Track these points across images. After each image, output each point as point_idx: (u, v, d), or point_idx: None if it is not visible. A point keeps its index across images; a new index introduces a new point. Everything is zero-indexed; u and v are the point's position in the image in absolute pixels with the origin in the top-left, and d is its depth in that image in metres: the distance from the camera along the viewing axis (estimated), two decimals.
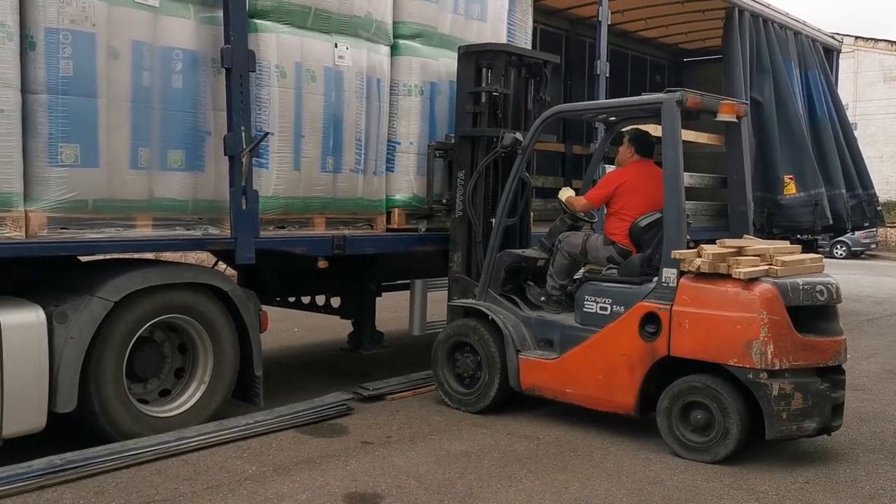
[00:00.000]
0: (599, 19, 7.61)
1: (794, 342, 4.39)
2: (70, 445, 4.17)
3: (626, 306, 4.81)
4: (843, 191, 9.89)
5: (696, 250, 4.57)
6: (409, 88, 5.85)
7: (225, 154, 4.66)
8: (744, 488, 4.16)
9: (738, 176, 5.35)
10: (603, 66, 7.51)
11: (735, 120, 5.18)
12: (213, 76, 4.70)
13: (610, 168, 7.78)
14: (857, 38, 31.24)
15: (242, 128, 4.66)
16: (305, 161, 5.20)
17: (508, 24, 6.67)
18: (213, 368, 4.79)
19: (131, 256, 4.77)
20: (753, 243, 4.77)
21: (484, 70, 5.81)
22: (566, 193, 5.70)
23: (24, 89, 3.99)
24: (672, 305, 4.59)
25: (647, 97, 5.22)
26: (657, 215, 5.01)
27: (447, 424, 5.12)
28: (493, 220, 5.64)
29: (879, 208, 11.06)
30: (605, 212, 5.45)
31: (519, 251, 5.68)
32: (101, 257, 4.71)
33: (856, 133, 13.38)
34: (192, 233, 4.72)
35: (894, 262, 22.37)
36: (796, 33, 10.03)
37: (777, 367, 4.34)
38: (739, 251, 4.60)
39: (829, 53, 11.15)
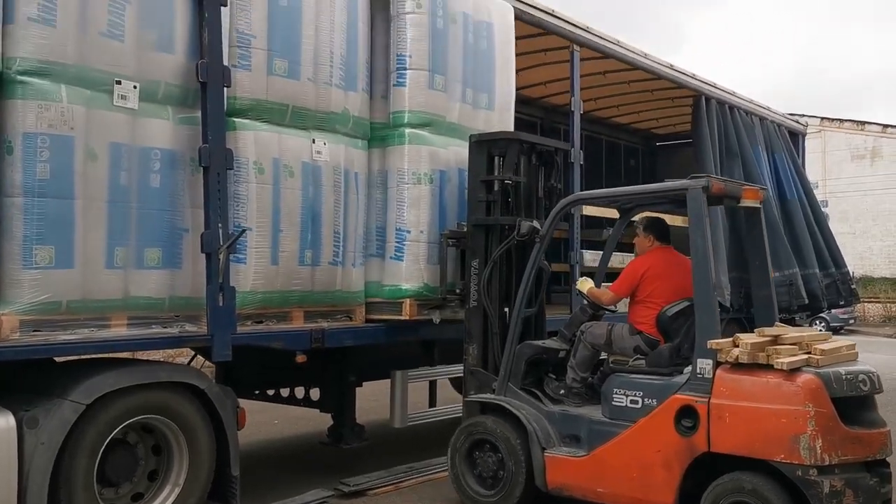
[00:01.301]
0: (572, 109, 7.81)
1: (841, 435, 4.20)
2: None
3: (659, 399, 4.65)
4: (817, 270, 10.03)
5: (731, 339, 4.45)
6: (419, 177, 5.85)
7: (202, 251, 4.66)
8: None
9: (759, 261, 5.26)
10: (577, 154, 7.67)
11: (757, 205, 5.18)
12: (190, 174, 4.74)
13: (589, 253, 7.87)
14: (822, 118, 32.27)
15: (220, 225, 4.68)
16: (283, 255, 5.21)
17: None
18: (188, 470, 4.67)
19: (106, 356, 4.70)
20: (787, 331, 4.68)
21: (496, 158, 5.84)
22: (586, 285, 5.61)
23: (0, 193, 4.00)
24: (710, 398, 4.41)
25: (671, 184, 5.19)
26: (685, 303, 4.95)
27: None
28: (509, 310, 5.52)
29: (854, 286, 11.20)
30: (630, 301, 5.36)
31: (539, 343, 5.56)
32: (75, 357, 4.63)
33: (827, 210, 13.71)
34: (169, 330, 4.67)
35: (873, 337, 22.50)
36: (762, 119, 10.34)
37: (827, 463, 4.13)
38: (776, 340, 4.47)
39: (795, 137, 11.47)
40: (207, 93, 4.68)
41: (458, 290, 5.92)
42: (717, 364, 4.45)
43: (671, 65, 9.05)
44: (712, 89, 9.43)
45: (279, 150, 5.18)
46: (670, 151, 12.44)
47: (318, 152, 5.43)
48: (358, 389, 6.34)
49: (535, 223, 5.61)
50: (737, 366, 4.37)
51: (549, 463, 4.99)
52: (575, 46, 7.73)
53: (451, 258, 5.96)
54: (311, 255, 5.39)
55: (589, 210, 7.80)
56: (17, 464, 3.94)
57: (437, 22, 5.97)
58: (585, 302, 5.58)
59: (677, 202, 5.10)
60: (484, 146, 5.86)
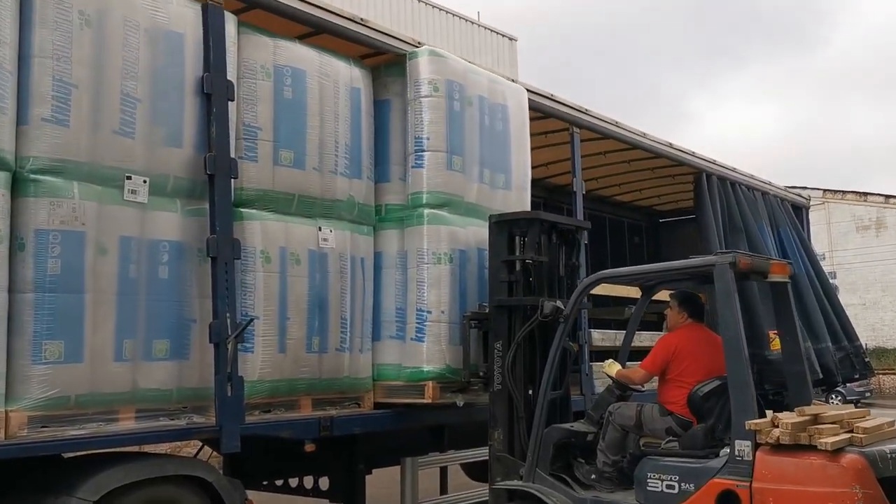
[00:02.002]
0: (574, 189, 7.90)
1: None
2: None
3: (697, 484, 4.48)
4: (829, 344, 9.94)
5: (770, 419, 4.34)
6: (439, 257, 5.82)
7: (210, 342, 4.67)
8: None
9: (790, 337, 5.17)
10: (581, 234, 7.71)
11: (786, 280, 5.12)
12: (198, 265, 4.79)
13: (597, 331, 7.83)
14: (825, 190, 32.51)
15: (228, 314, 4.70)
16: (291, 343, 5.22)
17: None
18: None
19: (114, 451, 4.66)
20: (826, 409, 4.57)
21: (517, 238, 5.83)
22: (614, 368, 5.49)
23: (12, 289, 4.04)
24: (751, 482, 4.24)
25: (697, 260, 5.14)
26: (717, 382, 4.84)
27: None
28: (533, 393, 5.41)
29: (867, 359, 11.08)
30: (659, 380, 5.26)
31: (567, 426, 5.42)
32: (83, 453, 4.60)
33: (835, 282, 13.71)
34: (177, 422, 4.64)
35: (891, 410, 22.11)
36: (764, 193, 10.43)
37: None
38: (816, 419, 4.33)
39: (798, 210, 11.54)
40: (215, 185, 4.78)
41: (481, 373, 5.80)
42: (757, 445, 4.30)
43: (670, 143, 9.20)
44: (712, 166, 9.55)
45: (286, 239, 5.25)
46: (673, 228, 12.51)
47: (325, 240, 5.50)
48: (368, 477, 6.23)
49: (559, 303, 5.53)
50: (777, 447, 4.23)
51: None
52: (574, 128, 7.88)
53: (473, 339, 5.85)
54: (318, 342, 5.39)
55: (596, 289, 7.79)
56: None
57: (454, 105, 6.06)
58: (612, 382, 5.45)
59: (702, 278, 5.03)
60: (504, 226, 5.84)
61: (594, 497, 5.00)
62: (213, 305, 4.72)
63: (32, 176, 4.13)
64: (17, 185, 4.12)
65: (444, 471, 6.61)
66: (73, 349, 4.17)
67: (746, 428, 4.35)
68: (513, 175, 6.61)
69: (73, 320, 4.18)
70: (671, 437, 4.94)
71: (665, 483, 4.63)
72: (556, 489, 5.07)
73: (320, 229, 5.48)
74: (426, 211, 5.88)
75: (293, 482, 6.47)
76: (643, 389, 5.65)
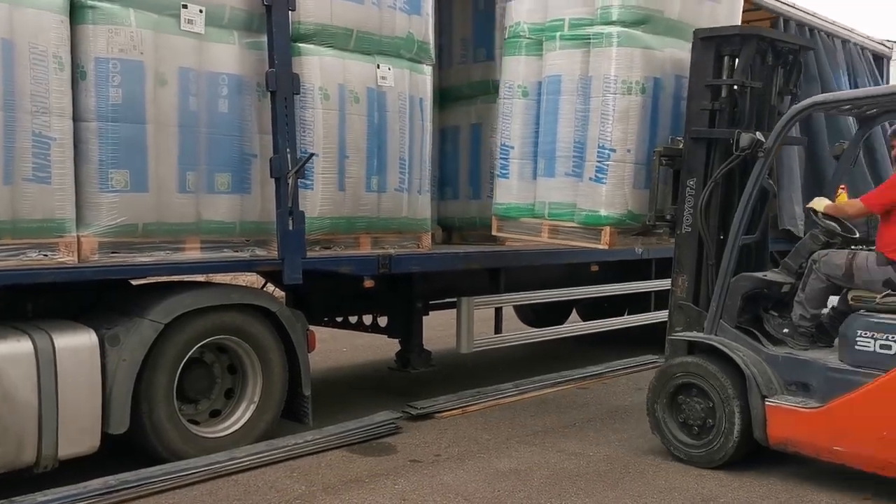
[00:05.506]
0: None
1: None
2: (123, 466, 4.23)
3: None
4: None
5: None
6: (630, 86, 5.01)
7: (271, 176, 4.71)
8: (801, 503, 4.04)
9: None
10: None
11: None
12: (258, 100, 4.77)
13: None
14: None
15: (288, 150, 4.71)
16: (350, 181, 5.23)
17: None
18: (262, 388, 4.83)
19: (181, 279, 4.84)
20: None
21: (726, 59, 4.93)
22: (822, 203, 4.72)
23: (76, 117, 4.09)
24: None
25: None
26: None
27: (496, 443, 5.08)
28: (731, 238, 4.78)
29: None
30: (882, 222, 4.52)
31: (759, 275, 4.78)
32: (151, 280, 4.79)
33: None
34: (240, 254, 4.77)
35: None
36: (844, 41, 9.83)
37: None
38: None
39: (879, 60, 10.88)
40: (272, 16, 4.67)
41: (668, 217, 5.13)
42: None
43: None
44: (791, 10, 8.98)
45: (344, 76, 5.15)
46: None
47: (383, 78, 5.39)
48: (425, 320, 6.40)
49: (759, 135, 4.74)
50: None
51: (771, 414, 4.36)
52: None
53: (661, 178, 5.11)
54: (377, 182, 5.40)
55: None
56: (101, 379, 4.12)
57: None
58: (817, 229, 4.73)
59: None
60: (712, 44, 4.91)
61: (787, 354, 4.50)
62: (274, 140, 4.72)
63: (90, 2, 4.08)
64: (75, 13, 4.08)
65: (498, 312, 6.74)
66: (138, 178, 4.25)
67: None
68: None
69: (137, 150, 4.24)
70: (890, 291, 4.30)
71: (879, 343, 4.10)
72: (741, 342, 4.62)
73: (378, 67, 5.36)
74: (617, 30, 5.05)
75: (352, 319, 6.70)
76: (856, 235, 4.79)
